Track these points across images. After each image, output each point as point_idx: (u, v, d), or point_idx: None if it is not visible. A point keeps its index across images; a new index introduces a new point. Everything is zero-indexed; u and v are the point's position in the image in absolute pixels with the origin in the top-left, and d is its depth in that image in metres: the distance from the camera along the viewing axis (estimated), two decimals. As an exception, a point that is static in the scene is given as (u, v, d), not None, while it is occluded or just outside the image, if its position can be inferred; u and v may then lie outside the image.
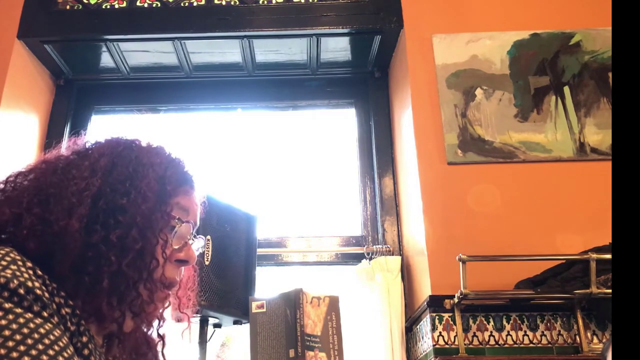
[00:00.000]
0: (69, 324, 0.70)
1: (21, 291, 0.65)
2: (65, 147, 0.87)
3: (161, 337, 0.89)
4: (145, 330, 0.85)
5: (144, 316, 0.79)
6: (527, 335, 1.84)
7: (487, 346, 1.83)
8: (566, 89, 2.22)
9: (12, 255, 0.68)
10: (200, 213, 0.92)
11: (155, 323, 0.86)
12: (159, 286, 0.81)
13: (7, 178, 0.81)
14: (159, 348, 0.89)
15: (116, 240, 0.76)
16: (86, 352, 0.72)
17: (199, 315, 1.75)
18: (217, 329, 1.88)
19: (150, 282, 0.79)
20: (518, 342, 1.84)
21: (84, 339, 0.72)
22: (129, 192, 0.79)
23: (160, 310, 0.85)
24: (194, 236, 0.89)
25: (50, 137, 2.56)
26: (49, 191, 0.77)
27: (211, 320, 1.82)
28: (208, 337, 1.81)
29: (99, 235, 0.75)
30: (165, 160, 0.87)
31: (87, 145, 0.86)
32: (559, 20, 2.34)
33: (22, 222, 0.74)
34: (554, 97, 2.21)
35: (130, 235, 0.77)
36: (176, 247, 0.85)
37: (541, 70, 2.25)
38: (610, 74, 2.23)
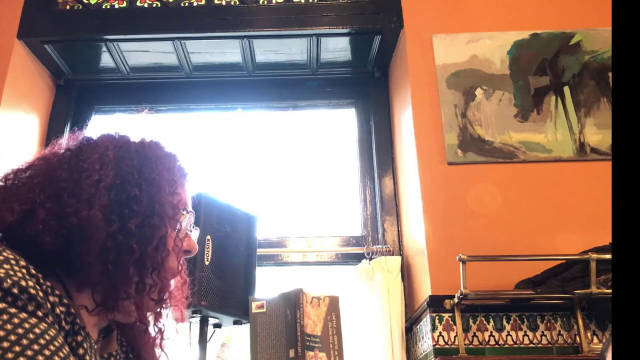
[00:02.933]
0: (63, 323, 0.70)
1: (15, 290, 0.64)
2: (60, 144, 0.88)
3: (159, 331, 0.90)
4: (160, 317, 0.87)
5: (163, 302, 0.82)
6: (527, 336, 1.84)
7: (487, 346, 1.83)
8: (566, 89, 2.22)
9: (4, 254, 0.68)
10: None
11: (152, 318, 0.87)
12: (172, 274, 0.84)
13: (6, 175, 0.81)
14: (158, 342, 0.90)
15: (135, 229, 0.77)
16: (81, 351, 0.71)
17: (199, 315, 1.75)
18: (217, 329, 1.88)
19: (165, 270, 0.81)
20: (518, 342, 1.84)
21: (79, 338, 0.72)
22: (140, 183, 0.81)
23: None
24: (192, 227, 0.92)
25: (50, 137, 2.56)
26: (59, 185, 0.78)
27: (211, 320, 1.82)
28: (208, 337, 1.81)
29: (117, 225, 0.77)
30: (167, 154, 0.90)
31: (85, 141, 0.87)
32: (559, 20, 2.34)
33: (35, 217, 0.74)
34: (554, 97, 2.21)
35: (150, 223, 0.79)
36: (180, 237, 0.87)
37: (541, 70, 2.25)
38: (610, 74, 2.23)
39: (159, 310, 0.83)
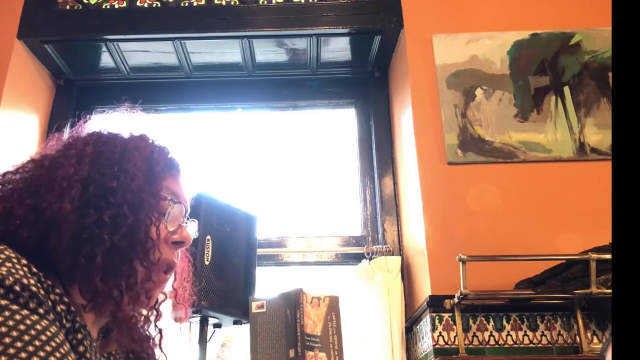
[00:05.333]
0: (64, 320, 0.71)
1: (17, 288, 0.65)
2: (51, 145, 0.88)
3: (159, 331, 0.90)
4: (143, 313, 0.86)
5: (143, 293, 0.80)
6: (527, 335, 1.84)
7: (487, 346, 1.83)
8: (566, 89, 2.22)
9: (6, 252, 0.68)
10: (190, 200, 0.93)
11: (153, 317, 0.87)
12: (157, 267, 0.82)
13: None
14: (157, 341, 0.90)
15: (108, 220, 0.77)
16: (82, 348, 0.72)
17: (199, 315, 1.75)
18: (217, 329, 1.88)
19: (147, 261, 0.80)
20: (518, 342, 1.84)
21: (79, 335, 0.72)
22: (118, 175, 0.81)
23: (159, 292, 0.86)
24: (187, 219, 0.91)
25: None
26: (39, 182, 0.78)
27: (211, 320, 1.82)
28: (208, 337, 1.81)
29: (92, 218, 0.76)
30: (150, 144, 0.89)
31: (70, 140, 0.88)
32: (559, 20, 2.34)
33: (13, 213, 0.75)
34: (554, 97, 2.21)
35: (121, 212, 0.78)
36: (171, 229, 0.87)
37: (541, 70, 2.25)
38: (610, 74, 2.23)
39: (137, 300, 0.80)
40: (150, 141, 0.90)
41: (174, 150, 0.92)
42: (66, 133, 0.91)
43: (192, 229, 0.92)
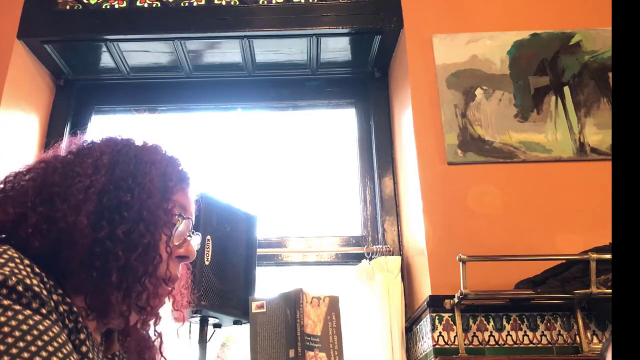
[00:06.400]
0: (66, 321, 0.71)
1: (20, 288, 0.65)
2: (62, 146, 0.88)
3: (159, 335, 0.90)
4: (148, 325, 0.86)
5: (150, 310, 0.81)
6: (527, 335, 1.84)
7: (487, 346, 1.83)
8: (566, 89, 2.22)
9: (9, 252, 0.68)
10: (194, 211, 0.94)
11: (152, 321, 0.87)
12: (163, 281, 0.83)
13: (6, 178, 0.82)
14: (157, 345, 0.90)
15: (122, 236, 0.77)
16: (84, 349, 0.72)
17: (199, 315, 1.75)
18: (217, 329, 1.88)
19: (155, 277, 0.80)
20: (518, 342, 1.84)
21: (82, 336, 0.73)
22: (133, 188, 0.81)
23: (162, 305, 0.87)
24: (192, 232, 0.91)
25: (50, 137, 2.56)
26: (52, 190, 0.78)
27: (211, 320, 1.82)
28: (208, 337, 1.81)
29: (105, 231, 0.76)
30: (165, 158, 0.89)
31: (85, 144, 0.87)
32: (559, 20, 2.34)
33: (26, 221, 0.75)
34: (554, 97, 2.21)
35: (136, 230, 0.78)
36: (177, 243, 0.87)
37: (541, 70, 2.25)
38: (610, 74, 2.23)
39: (146, 317, 0.82)
40: (164, 154, 0.90)
41: (184, 160, 0.92)
42: (66, 133, 0.91)
43: (195, 242, 0.92)
